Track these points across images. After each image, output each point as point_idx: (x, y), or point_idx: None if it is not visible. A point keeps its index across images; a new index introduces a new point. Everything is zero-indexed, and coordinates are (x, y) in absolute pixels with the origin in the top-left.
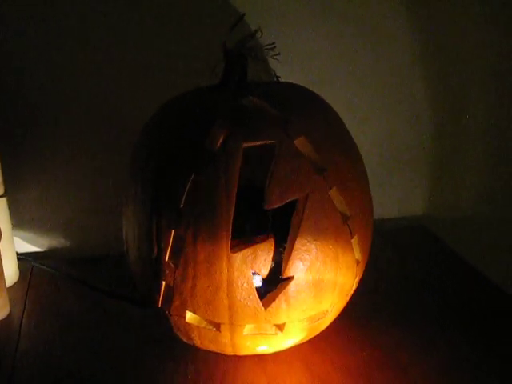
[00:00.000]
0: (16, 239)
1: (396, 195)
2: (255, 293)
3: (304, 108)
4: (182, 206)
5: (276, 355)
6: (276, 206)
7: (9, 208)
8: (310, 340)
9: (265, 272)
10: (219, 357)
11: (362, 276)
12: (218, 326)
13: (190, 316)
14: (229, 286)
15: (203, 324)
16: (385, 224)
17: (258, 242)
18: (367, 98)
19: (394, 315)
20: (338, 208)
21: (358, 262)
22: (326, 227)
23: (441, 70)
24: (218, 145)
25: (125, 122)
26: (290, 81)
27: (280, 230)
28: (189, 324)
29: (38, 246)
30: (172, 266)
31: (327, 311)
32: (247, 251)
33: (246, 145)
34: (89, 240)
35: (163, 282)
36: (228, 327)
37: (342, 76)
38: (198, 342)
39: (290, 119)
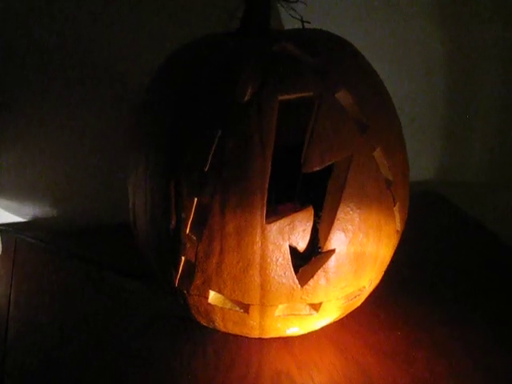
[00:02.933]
0: None
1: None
2: (292, 269)
3: (342, 57)
4: (206, 169)
5: (304, 337)
6: (316, 169)
7: None
8: (341, 321)
9: (303, 245)
10: (241, 339)
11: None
12: (246, 308)
13: (213, 296)
14: (262, 262)
15: (228, 305)
16: None
17: (295, 211)
18: (377, 54)
19: (419, 289)
20: (382, 172)
21: (397, 232)
22: (370, 193)
23: (455, 32)
24: (249, 97)
25: (119, 75)
26: None
27: (305, 197)
28: (211, 305)
29: (22, 216)
30: (194, 239)
31: (364, 287)
32: (284, 221)
33: (281, 97)
34: (77, 209)
35: (182, 258)
36: (258, 308)
37: (355, 36)
38: (220, 325)
39: (329, 69)
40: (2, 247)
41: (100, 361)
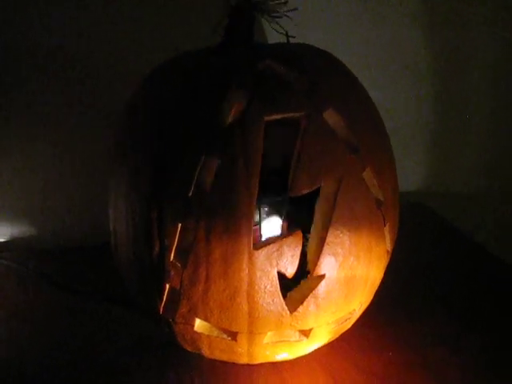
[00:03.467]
0: None
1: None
2: (280, 296)
3: (330, 74)
4: (190, 194)
5: (293, 361)
6: (304, 192)
7: None
8: (331, 342)
9: (291, 271)
10: (229, 365)
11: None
12: (234, 335)
13: (199, 324)
14: (249, 289)
15: (215, 333)
16: None
17: (284, 236)
18: (364, 64)
19: (409, 306)
20: (372, 192)
21: (387, 252)
22: (360, 215)
23: (443, 38)
24: (234, 118)
25: (102, 94)
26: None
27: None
28: (197, 333)
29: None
30: (179, 266)
31: (355, 310)
32: (272, 247)
33: (267, 118)
34: (56, 229)
35: (167, 285)
36: (246, 336)
37: (338, 40)
38: (206, 352)
39: (316, 87)
40: None
41: None
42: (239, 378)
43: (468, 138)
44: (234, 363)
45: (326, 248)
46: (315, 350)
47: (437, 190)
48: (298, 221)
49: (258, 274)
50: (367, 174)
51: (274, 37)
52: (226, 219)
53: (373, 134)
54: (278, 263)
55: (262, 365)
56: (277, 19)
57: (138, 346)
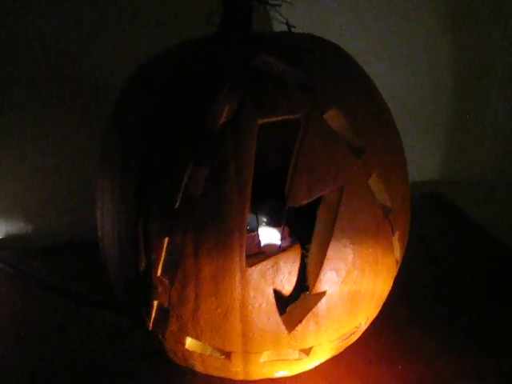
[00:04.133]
0: None
1: (409, 158)
2: (277, 314)
3: (333, 70)
4: (177, 205)
5: (295, 376)
6: (303, 203)
7: None
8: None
9: (289, 288)
10: (226, 380)
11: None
12: (227, 354)
13: (190, 342)
14: (242, 309)
15: (208, 351)
16: None
17: (279, 250)
18: (380, 49)
19: (419, 311)
20: (379, 199)
21: (397, 262)
22: (365, 226)
23: (462, 21)
24: (225, 121)
25: (93, 89)
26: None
27: (294, 222)
28: (189, 351)
29: None
30: (166, 282)
31: (361, 325)
32: (266, 263)
33: (261, 121)
34: (51, 226)
35: (155, 302)
36: (241, 355)
37: (352, 25)
38: (200, 369)
39: (316, 85)
40: None
41: None
42: None
43: (486, 127)
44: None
45: (326, 263)
46: (321, 364)
47: (453, 179)
48: (301, 227)
49: (252, 292)
50: (373, 180)
51: (278, 26)
52: (216, 233)
53: (380, 134)
54: (273, 281)
55: (261, 380)
56: (279, 7)
57: (131, 353)
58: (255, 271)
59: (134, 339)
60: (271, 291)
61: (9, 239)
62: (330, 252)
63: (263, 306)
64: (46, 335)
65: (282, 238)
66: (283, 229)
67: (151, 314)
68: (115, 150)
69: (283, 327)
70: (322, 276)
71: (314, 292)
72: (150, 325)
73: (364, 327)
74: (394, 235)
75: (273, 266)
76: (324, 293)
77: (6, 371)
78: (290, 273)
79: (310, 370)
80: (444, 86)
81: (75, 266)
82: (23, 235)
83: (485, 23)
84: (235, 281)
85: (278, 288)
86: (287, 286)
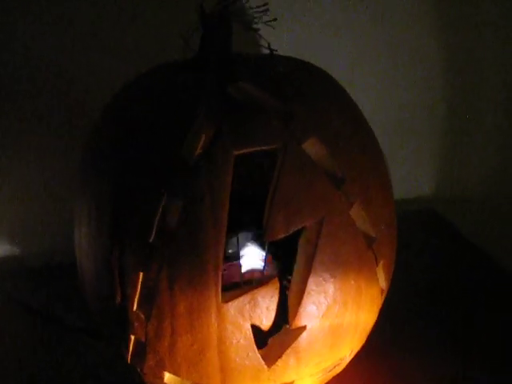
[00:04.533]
0: None
1: (402, 174)
2: (255, 349)
3: (314, 96)
4: (152, 239)
5: None
6: (280, 237)
7: None
8: None
9: (267, 323)
10: None
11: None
12: None
13: (169, 377)
14: (220, 345)
15: None
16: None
17: (257, 285)
18: (372, 62)
19: (412, 335)
20: (361, 229)
21: (382, 292)
22: (346, 258)
23: (456, 30)
24: (200, 152)
25: (80, 110)
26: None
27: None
28: None
29: None
30: (142, 317)
31: (345, 357)
32: (243, 299)
33: (237, 152)
34: (33, 248)
35: (132, 337)
36: None
37: (343, 37)
38: None
39: (295, 113)
40: None
41: None
42: None
43: (482, 142)
44: None
45: (306, 298)
46: None
47: (446, 196)
48: (286, 252)
49: (229, 328)
50: (355, 210)
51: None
52: (191, 269)
53: (364, 161)
54: (251, 316)
55: None
56: (266, 25)
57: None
58: (232, 307)
59: (115, 371)
60: (249, 327)
61: None
62: (310, 286)
63: (241, 342)
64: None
65: (266, 263)
66: (266, 255)
67: (129, 348)
68: (91, 175)
69: (262, 362)
70: (301, 310)
71: (293, 327)
72: (129, 359)
73: (349, 359)
74: (378, 265)
75: (250, 302)
76: (304, 327)
77: None
78: (268, 308)
79: None
80: (438, 100)
81: (61, 287)
82: (10, 256)
83: (479, 35)
84: (211, 317)
85: (257, 323)
86: (266, 321)
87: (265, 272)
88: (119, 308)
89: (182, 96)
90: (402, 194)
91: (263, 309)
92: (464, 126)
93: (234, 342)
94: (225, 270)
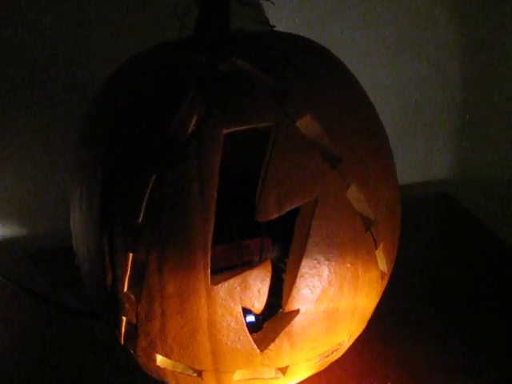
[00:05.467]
0: None
1: (417, 157)
2: (247, 333)
3: (311, 73)
4: (140, 220)
5: None
6: (272, 217)
7: None
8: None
9: (259, 306)
10: None
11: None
12: (199, 373)
13: (161, 360)
14: (210, 328)
15: (179, 368)
16: (403, 190)
17: (249, 267)
18: (384, 41)
19: (418, 322)
20: (359, 211)
21: (383, 275)
22: (342, 240)
23: (472, 8)
24: (189, 132)
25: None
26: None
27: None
28: (161, 368)
29: None
30: (133, 298)
31: (343, 342)
32: (234, 281)
33: (227, 130)
34: (43, 229)
35: (123, 318)
36: (213, 374)
37: (352, 14)
38: None
39: (290, 90)
40: None
41: None
42: None
43: (500, 124)
44: None
45: (299, 281)
46: (307, 378)
47: (462, 179)
48: (285, 235)
49: (220, 310)
50: (352, 191)
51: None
52: (180, 250)
53: (362, 140)
54: (241, 299)
55: None
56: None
57: (110, 364)
58: (222, 289)
59: (114, 351)
60: (240, 310)
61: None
62: (303, 268)
63: (232, 325)
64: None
65: (264, 249)
66: (262, 239)
67: (121, 330)
68: (84, 160)
69: (255, 346)
70: (294, 294)
71: (286, 310)
72: (122, 340)
73: (348, 344)
74: (377, 248)
75: (240, 284)
76: (297, 311)
77: None
78: (259, 291)
79: None
80: (454, 81)
81: (65, 271)
82: (15, 239)
83: (494, 15)
84: (201, 299)
85: (248, 306)
86: (257, 305)
87: (262, 255)
88: (111, 289)
89: (172, 76)
90: (417, 177)
91: (254, 292)
92: (480, 107)
93: (225, 325)
94: (225, 251)
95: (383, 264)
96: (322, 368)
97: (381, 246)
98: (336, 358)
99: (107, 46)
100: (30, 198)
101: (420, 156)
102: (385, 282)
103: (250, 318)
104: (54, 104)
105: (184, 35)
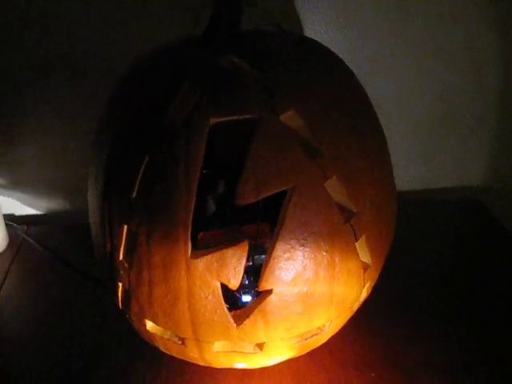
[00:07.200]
0: (13, 201)
1: (449, 162)
2: (223, 307)
3: (299, 70)
4: (134, 195)
5: (265, 368)
6: (250, 201)
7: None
8: (311, 351)
9: (235, 283)
10: (197, 365)
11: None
12: (183, 340)
13: (150, 325)
14: (190, 297)
15: (167, 335)
16: (435, 196)
17: (227, 245)
18: (417, 45)
19: (406, 319)
20: (339, 203)
21: (366, 267)
22: (317, 229)
23: (507, 17)
24: (181, 118)
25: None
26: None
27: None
28: (151, 333)
29: (37, 209)
30: (126, 266)
31: (323, 327)
32: (211, 257)
33: (214, 120)
34: (79, 205)
35: (119, 284)
36: (194, 342)
37: (389, 21)
38: (164, 351)
39: (277, 87)
40: (10, 242)
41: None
42: (204, 380)
43: None
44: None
45: (272, 262)
46: (294, 359)
47: (496, 187)
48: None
49: (198, 282)
50: (331, 184)
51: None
52: (164, 225)
53: (348, 138)
54: (218, 274)
55: (230, 369)
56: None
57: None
58: (200, 263)
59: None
60: (218, 284)
61: (48, 215)
62: (277, 251)
63: (209, 298)
64: (53, 305)
65: (261, 234)
66: (258, 226)
67: (118, 295)
68: (97, 143)
69: (231, 320)
70: (268, 274)
71: (260, 289)
72: (120, 304)
73: (329, 330)
74: (357, 240)
75: (218, 261)
76: (270, 291)
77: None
78: (235, 268)
79: (283, 367)
80: (490, 89)
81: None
82: (56, 213)
83: None
84: (181, 271)
85: (224, 282)
86: (233, 281)
87: (259, 240)
88: (109, 257)
89: (172, 69)
90: (450, 182)
91: (230, 269)
92: None
93: (203, 296)
94: (224, 234)
95: (366, 256)
96: (303, 351)
97: (363, 239)
98: (319, 343)
99: (128, 37)
100: (69, 178)
101: (454, 161)
102: (372, 273)
103: (246, 298)
104: (88, 92)
105: (195, 32)
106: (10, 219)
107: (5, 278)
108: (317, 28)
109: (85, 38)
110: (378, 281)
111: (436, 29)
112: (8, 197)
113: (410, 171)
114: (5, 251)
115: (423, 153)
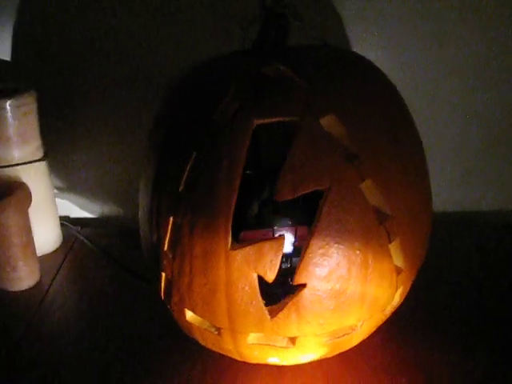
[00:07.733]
0: (69, 204)
1: (498, 184)
2: (259, 298)
3: (340, 78)
4: (181, 189)
5: (297, 368)
6: (288, 198)
7: (60, 171)
8: (343, 354)
9: (271, 276)
10: (232, 360)
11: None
12: (219, 331)
13: (189, 315)
14: (227, 288)
15: (205, 325)
16: (479, 218)
17: (264, 240)
18: (473, 62)
19: (443, 331)
20: (374, 205)
21: (399, 271)
22: (352, 228)
23: None
24: (227, 120)
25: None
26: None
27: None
28: (189, 323)
29: (91, 213)
30: (170, 256)
31: (355, 326)
32: (249, 249)
33: (258, 122)
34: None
35: (163, 274)
36: (229, 333)
37: (434, 37)
38: (202, 343)
39: (318, 91)
40: (63, 242)
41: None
42: (237, 375)
43: None
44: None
45: (307, 257)
46: (326, 360)
47: None
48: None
49: (236, 274)
50: (367, 185)
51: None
52: (207, 217)
53: (385, 142)
54: (255, 266)
55: (263, 366)
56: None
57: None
58: (238, 255)
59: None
60: (254, 276)
61: (101, 219)
62: (312, 247)
63: (246, 289)
64: (98, 300)
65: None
66: (296, 228)
67: (161, 285)
68: (150, 141)
69: (266, 312)
70: (302, 269)
71: (294, 283)
72: (162, 295)
73: (362, 330)
74: (391, 242)
75: (255, 253)
76: (304, 285)
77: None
78: (271, 261)
79: (315, 367)
80: None
81: None
82: (111, 217)
83: None
84: (220, 261)
85: (261, 273)
86: (270, 274)
87: (296, 241)
88: (155, 248)
89: (220, 75)
90: (495, 205)
91: (267, 261)
92: None
93: (240, 287)
94: (264, 234)
95: (400, 260)
96: (335, 350)
97: (397, 242)
98: (351, 343)
99: (182, 47)
100: (124, 184)
101: (502, 183)
102: (405, 279)
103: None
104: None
105: (244, 46)
106: (66, 221)
107: (57, 273)
108: (363, 46)
109: (150, 54)
110: (411, 290)
111: (483, 49)
112: (65, 199)
113: (453, 193)
114: (59, 249)
115: (465, 175)
